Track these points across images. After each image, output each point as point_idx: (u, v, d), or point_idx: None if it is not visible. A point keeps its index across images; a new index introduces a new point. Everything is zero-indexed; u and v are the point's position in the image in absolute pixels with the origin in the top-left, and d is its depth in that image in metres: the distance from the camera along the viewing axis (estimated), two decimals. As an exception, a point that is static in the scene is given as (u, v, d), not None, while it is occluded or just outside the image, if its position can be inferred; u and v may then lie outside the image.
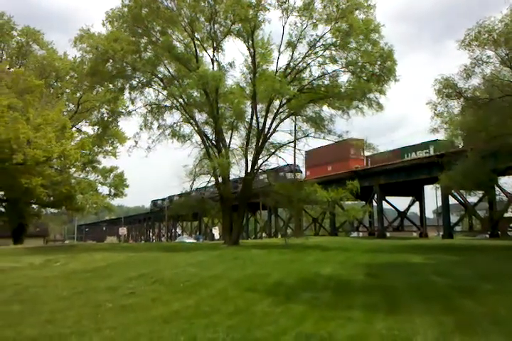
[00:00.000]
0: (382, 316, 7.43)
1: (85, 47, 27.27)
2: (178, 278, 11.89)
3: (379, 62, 24.84)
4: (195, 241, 55.91)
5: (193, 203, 31.17)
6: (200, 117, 29.78)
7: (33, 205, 39.28)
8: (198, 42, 28.09)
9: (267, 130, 27.37)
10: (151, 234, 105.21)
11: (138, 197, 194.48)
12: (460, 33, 62.95)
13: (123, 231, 62.62)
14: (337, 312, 7.71)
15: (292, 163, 32.30)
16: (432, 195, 62.03)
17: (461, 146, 28.02)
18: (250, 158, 27.61)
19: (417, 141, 43.47)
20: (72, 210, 39.09)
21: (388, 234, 46.86)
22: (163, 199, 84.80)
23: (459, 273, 12.26)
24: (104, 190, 40.34)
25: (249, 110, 27.86)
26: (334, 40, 25.28)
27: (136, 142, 30.37)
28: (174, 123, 30.74)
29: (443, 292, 9.60)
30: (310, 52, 26.09)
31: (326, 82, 27.07)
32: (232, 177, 28.99)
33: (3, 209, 39.91)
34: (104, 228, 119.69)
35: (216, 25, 27.48)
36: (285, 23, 25.93)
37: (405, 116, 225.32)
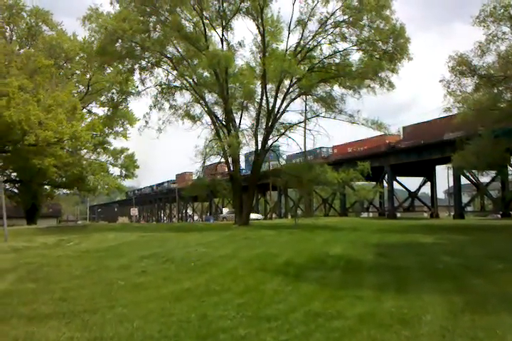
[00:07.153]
0: (392, 295, 7.44)
1: (94, 26, 27.01)
2: (189, 257, 11.97)
3: (391, 40, 24.38)
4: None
5: (205, 184, 31.18)
6: (210, 98, 29.74)
7: (46, 186, 39.69)
8: (207, 22, 27.77)
9: (277, 110, 27.19)
10: (162, 215, 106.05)
11: (153, 178, 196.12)
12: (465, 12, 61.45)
13: (134, 211, 63.12)
14: (346, 291, 7.73)
15: (303, 143, 32.22)
16: (443, 175, 61.40)
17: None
18: (260, 138, 27.53)
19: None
20: (84, 191, 39.47)
21: (399, 215, 46.77)
22: (132, 191, 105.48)
23: (470, 253, 12.22)
24: (115, 171, 40.72)
25: (259, 90, 27.68)
26: (345, 17, 24.84)
27: (147, 122, 30.47)
28: (185, 103, 30.75)
29: (453, 271, 9.57)
30: (320, 30, 25.73)
31: (337, 61, 26.78)
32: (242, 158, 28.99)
33: (16, 190, 40.45)
34: (115, 209, 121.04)
35: (225, 4, 27.14)
36: (295, 0, 25.51)
37: (412, 99, 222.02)
